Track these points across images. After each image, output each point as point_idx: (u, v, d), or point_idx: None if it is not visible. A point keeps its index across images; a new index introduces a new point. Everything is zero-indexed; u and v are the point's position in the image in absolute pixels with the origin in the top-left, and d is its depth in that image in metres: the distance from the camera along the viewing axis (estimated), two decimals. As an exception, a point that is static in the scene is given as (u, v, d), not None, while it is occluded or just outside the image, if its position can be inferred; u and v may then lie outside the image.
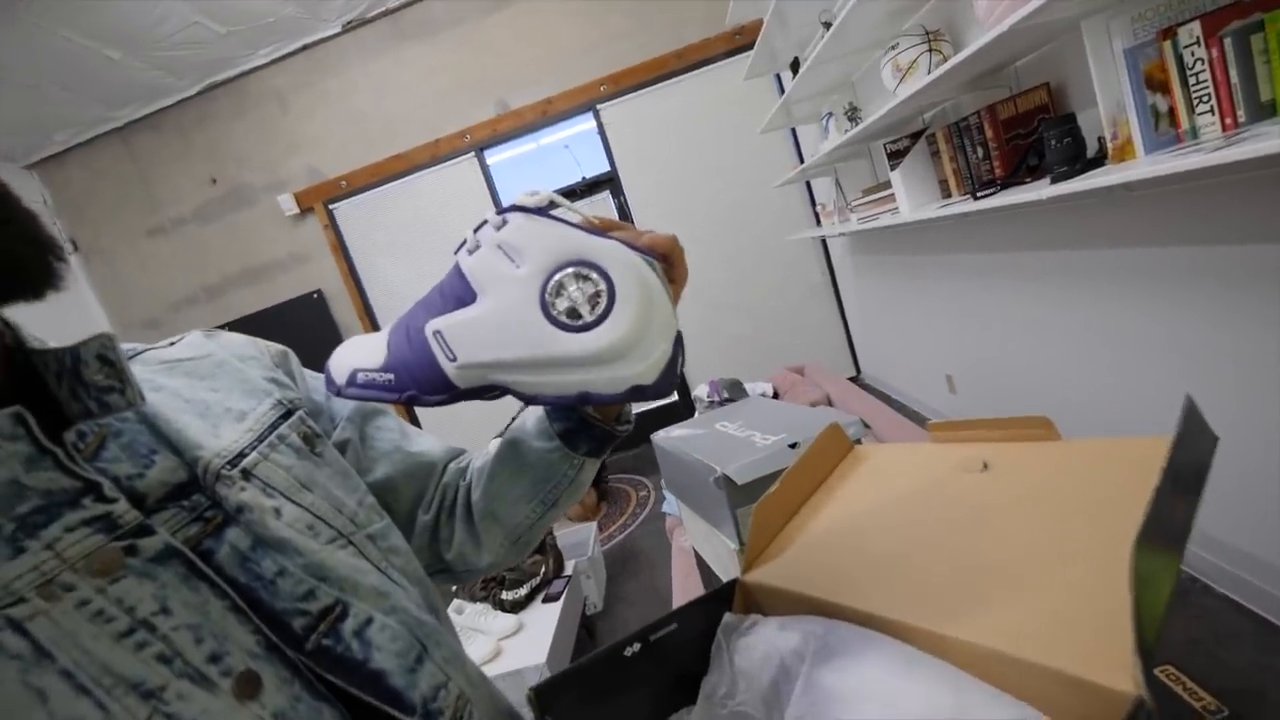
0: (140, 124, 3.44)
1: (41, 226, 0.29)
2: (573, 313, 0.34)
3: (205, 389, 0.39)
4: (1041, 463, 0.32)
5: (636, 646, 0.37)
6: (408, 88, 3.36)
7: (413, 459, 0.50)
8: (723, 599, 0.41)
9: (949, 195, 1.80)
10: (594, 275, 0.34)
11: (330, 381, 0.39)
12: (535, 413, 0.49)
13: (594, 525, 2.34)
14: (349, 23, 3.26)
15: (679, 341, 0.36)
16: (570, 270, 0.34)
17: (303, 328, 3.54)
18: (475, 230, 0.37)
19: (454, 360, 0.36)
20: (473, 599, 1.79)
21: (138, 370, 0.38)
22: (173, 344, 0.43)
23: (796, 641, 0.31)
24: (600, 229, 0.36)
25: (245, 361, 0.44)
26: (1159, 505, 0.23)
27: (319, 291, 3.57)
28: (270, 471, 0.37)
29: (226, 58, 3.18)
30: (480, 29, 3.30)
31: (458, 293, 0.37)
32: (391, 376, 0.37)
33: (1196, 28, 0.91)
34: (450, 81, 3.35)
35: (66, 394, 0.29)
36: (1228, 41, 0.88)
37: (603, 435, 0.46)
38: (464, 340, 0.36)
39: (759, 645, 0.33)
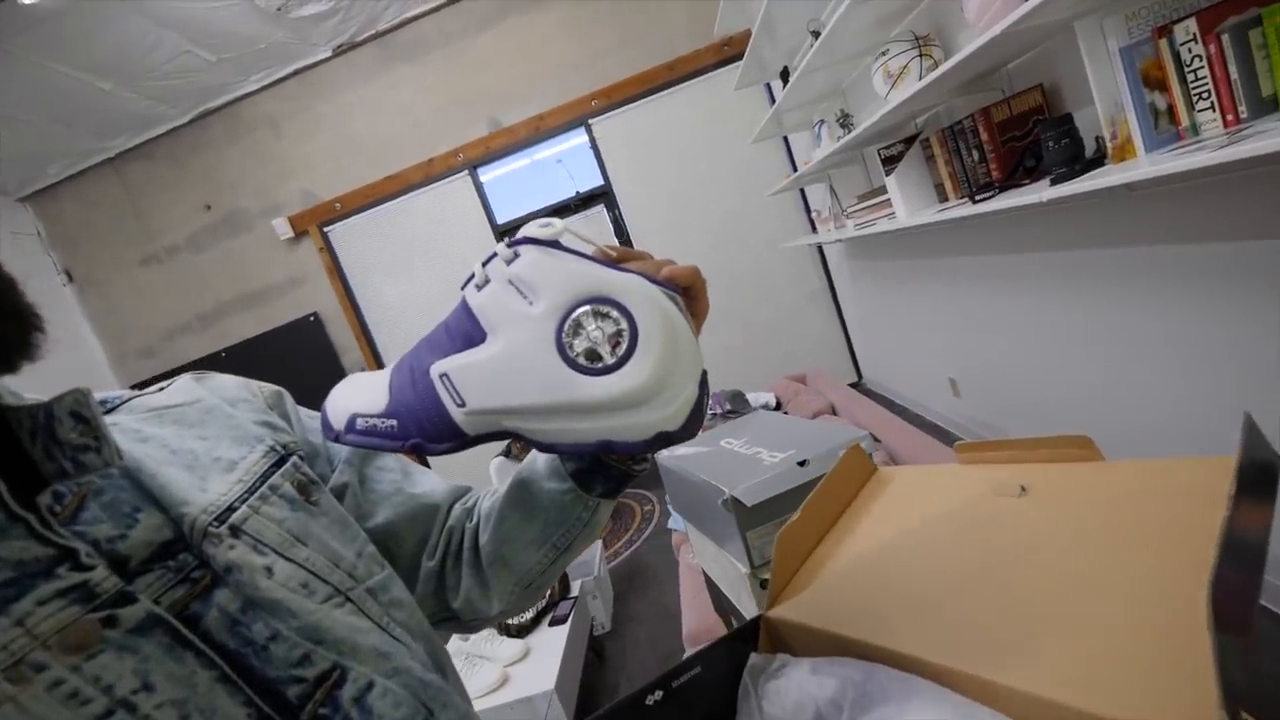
0: (133, 153, 3.44)
1: (20, 296, 0.28)
2: (592, 354, 0.31)
3: (194, 437, 0.37)
4: (1085, 486, 0.30)
5: (659, 695, 0.35)
6: (400, 108, 3.38)
7: (416, 501, 0.47)
8: (747, 637, 0.38)
9: (945, 199, 1.79)
10: (614, 313, 0.31)
11: (327, 426, 0.37)
12: (545, 453, 0.46)
13: (599, 543, 2.31)
14: (339, 46, 3.28)
15: (704, 382, 0.34)
16: (588, 308, 0.31)
17: (300, 351, 3.52)
18: (484, 264, 0.34)
19: (462, 405, 0.33)
20: (478, 624, 1.75)
21: (125, 419, 0.36)
22: (162, 389, 0.41)
23: (833, 689, 0.29)
24: (616, 261, 0.34)
25: (236, 405, 0.41)
26: (1231, 533, 0.21)
27: (315, 314, 3.55)
28: (261, 526, 0.34)
29: (218, 85, 3.19)
30: (470, 48, 3.32)
31: (466, 331, 0.34)
32: (394, 423, 0.35)
33: (1192, 24, 0.90)
34: (442, 101, 3.36)
35: (41, 453, 0.28)
36: (1225, 37, 0.87)
37: (619, 476, 0.44)
38: (473, 384, 0.33)
39: (790, 691, 0.31)
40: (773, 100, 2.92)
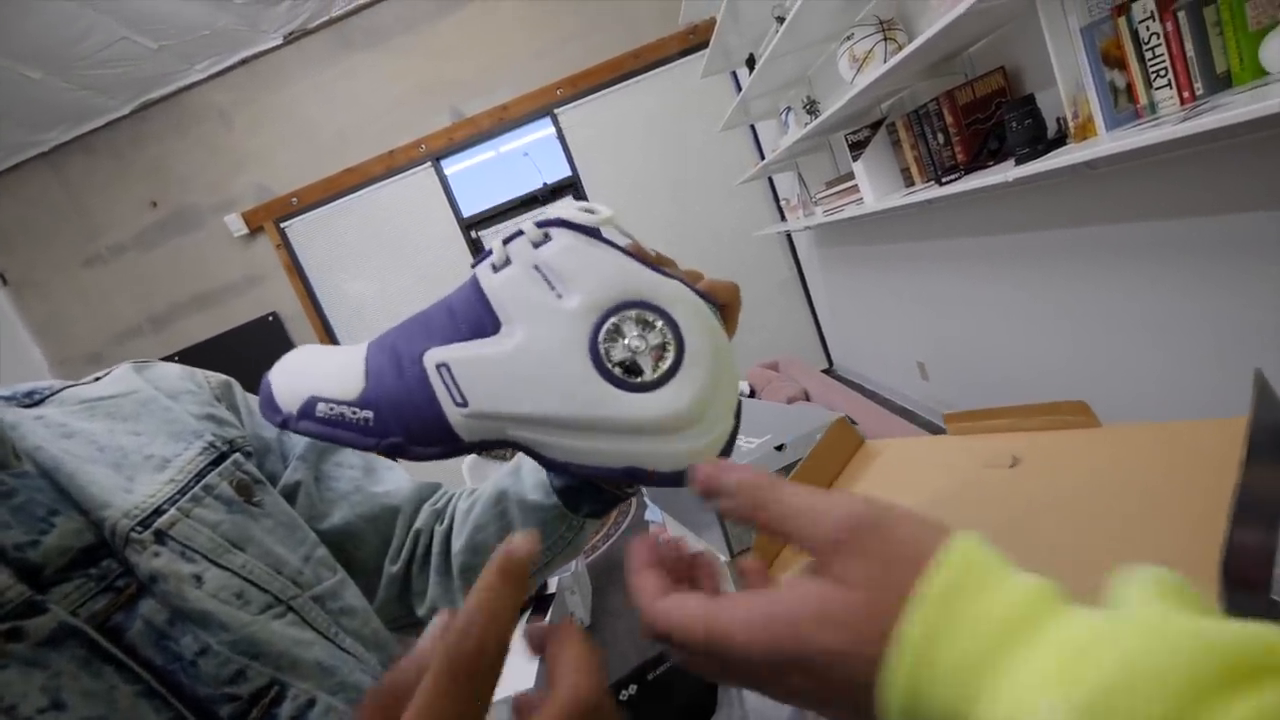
0: (70, 147, 3.24)
1: None
2: (632, 367, 0.27)
3: (126, 432, 0.34)
4: (1080, 455, 0.28)
5: (633, 688, 0.33)
6: (357, 98, 3.26)
7: (377, 501, 0.44)
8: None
9: (912, 183, 1.81)
10: (660, 323, 0.27)
11: (272, 407, 0.30)
12: (531, 460, 0.43)
13: (577, 538, 2.28)
14: (291, 34, 3.14)
15: (739, 413, 0.30)
16: (632, 313, 0.27)
17: (259, 352, 3.39)
18: (505, 241, 0.29)
19: (464, 405, 0.28)
20: (454, 625, 1.71)
21: (51, 413, 0.33)
22: (98, 379, 0.38)
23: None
24: (655, 263, 0.29)
25: (177, 398, 0.38)
26: (1241, 517, 0.20)
27: (274, 314, 3.42)
28: (191, 531, 0.31)
29: (161, 74, 3.03)
30: (430, 35, 3.22)
31: (475, 317, 0.29)
32: (370, 415, 0.29)
33: (1150, 2, 0.91)
34: (402, 90, 3.26)
35: None
36: (1181, 15, 0.89)
37: (609, 498, 0.40)
38: (480, 382, 0.28)
39: None
40: (739, 88, 2.90)
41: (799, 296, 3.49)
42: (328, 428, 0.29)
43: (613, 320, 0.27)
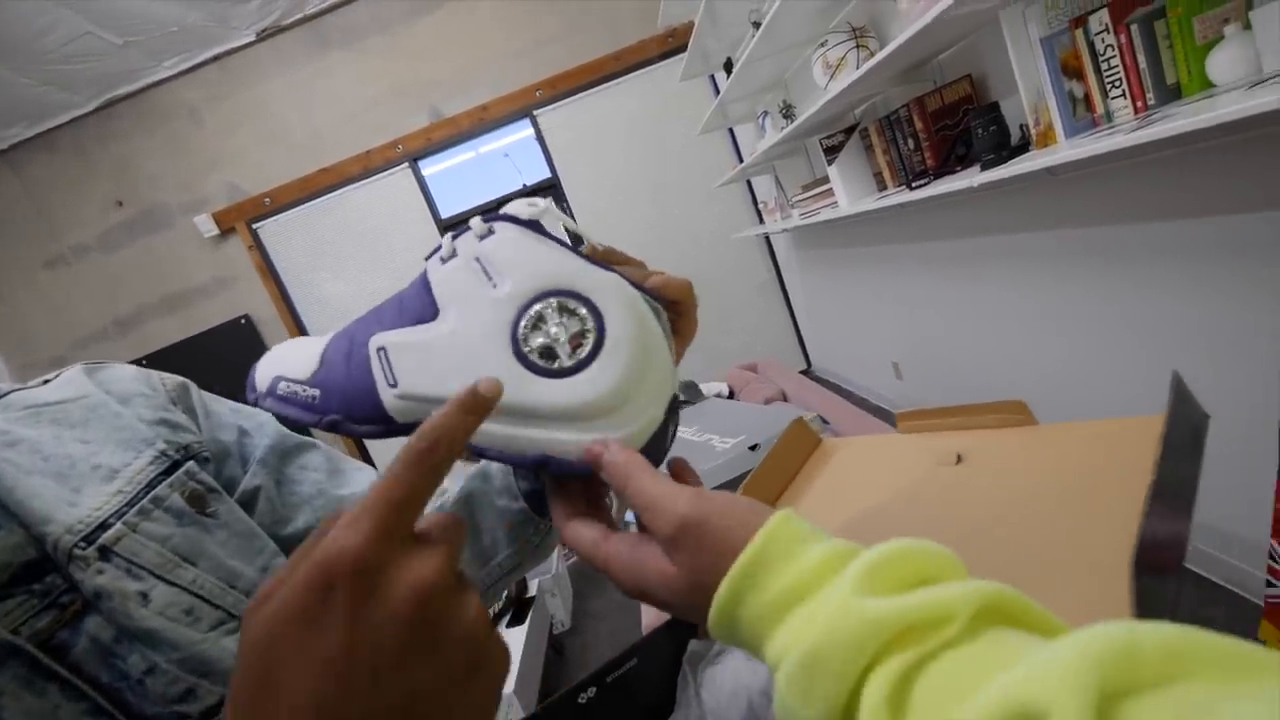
0: (31, 144, 3.14)
1: None
2: (548, 352, 0.28)
3: (74, 440, 0.33)
4: (1018, 452, 0.30)
5: (592, 691, 0.33)
6: (333, 97, 3.21)
7: (342, 505, 0.43)
8: (688, 623, 0.37)
9: (884, 187, 1.84)
10: (583, 311, 0.28)
11: (251, 386, 0.33)
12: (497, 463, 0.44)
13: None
14: (263, 31, 3.09)
15: (675, 408, 0.30)
16: (555, 300, 0.28)
17: (231, 356, 3.31)
18: (454, 236, 0.31)
19: (394, 386, 0.30)
20: (432, 630, 1.69)
21: None
22: (47, 382, 0.36)
23: (765, 678, 0.28)
24: (603, 259, 0.30)
25: (128, 402, 0.37)
26: (1155, 509, 0.21)
27: (247, 316, 3.35)
28: (137, 547, 0.30)
29: (128, 70, 2.95)
30: (408, 34, 3.19)
31: (420, 306, 0.31)
32: (316, 393, 0.31)
33: (1105, 15, 0.95)
34: (379, 90, 3.22)
35: None
36: (1134, 28, 0.92)
37: None
38: (410, 363, 0.30)
39: (726, 680, 0.30)
40: (717, 91, 2.93)
41: (777, 298, 3.53)
42: (281, 404, 0.31)
43: (537, 308, 0.28)
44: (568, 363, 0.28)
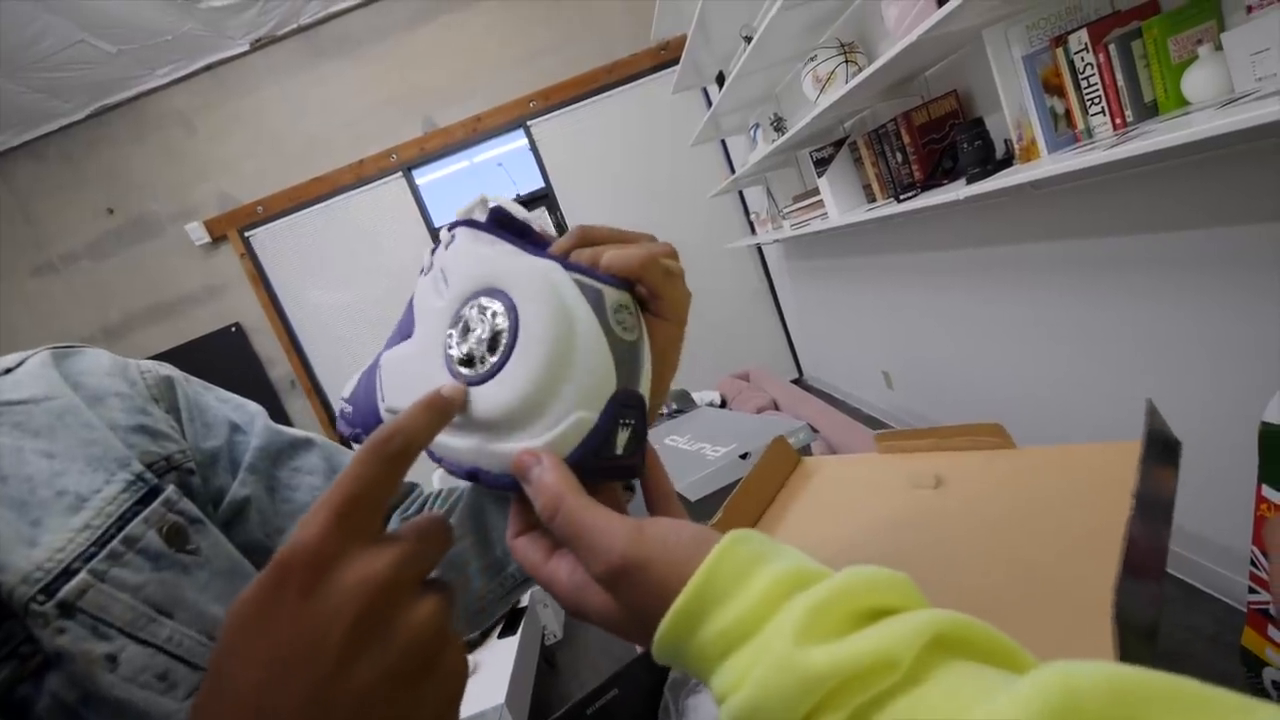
0: (19, 152, 3.13)
1: None
2: (468, 359, 0.26)
3: (36, 452, 0.28)
4: (996, 477, 0.30)
5: None
6: (327, 106, 3.22)
7: None
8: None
9: (873, 199, 1.87)
10: (498, 307, 0.26)
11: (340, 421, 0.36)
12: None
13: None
14: (258, 40, 3.09)
15: (624, 405, 0.25)
16: (479, 302, 0.27)
17: (222, 365, 3.29)
18: (432, 250, 0.32)
19: (384, 402, 0.31)
20: (423, 641, 1.68)
21: None
22: (9, 371, 0.31)
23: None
24: (579, 243, 0.28)
25: (102, 402, 0.32)
26: (1135, 533, 0.22)
27: (237, 325, 3.33)
28: (105, 600, 0.26)
29: (120, 78, 2.95)
30: (403, 44, 3.21)
31: (406, 323, 0.32)
32: (350, 409, 0.34)
33: (1084, 35, 0.97)
34: (373, 99, 3.23)
35: None
36: (1112, 47, 0.95)
37: None
38: (390, 380, 0.31)
39: (710, 710, 0.30)
40: (710, 104, 2.96)
41: (769, 308, 3.56)
42: (340, 419, 0.36)
43: (463, 312, 0.27)
44: (483, 368, 0.26)
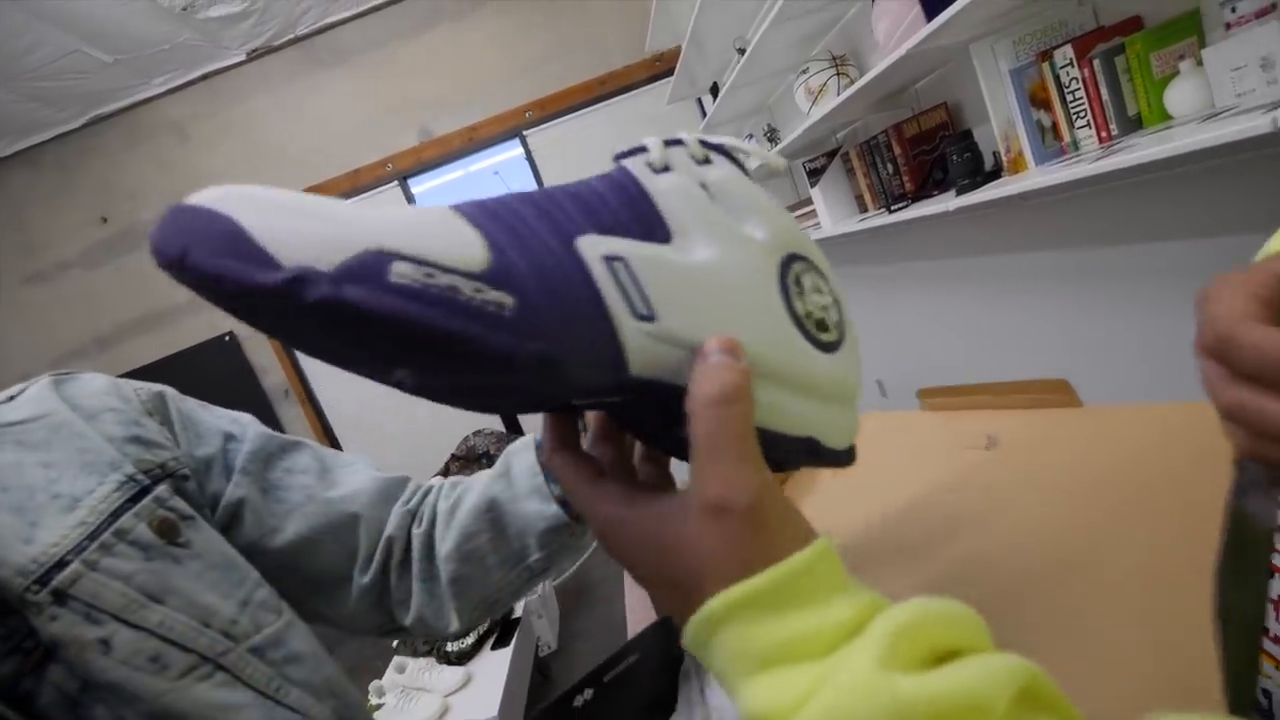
0: (12, 160, 3.12)
1: None
2: (821, 323, 0.24)
3: (35, 464, 0.30)
4: (1059, 437, 0.27)
5: (589, 693, 0.32)
6: (323, 116, 3.23)
7: (336, 509, 0.39)
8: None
9: (865, 210, 1.89)
10: (827, 285, 0.25)
11: (250, 258, 0.17)
12: (523, 461, 0.39)
13: (543, 559, 2.25)
14: (254, 50, 3.11)
15: None
16: (801, 265, 0.24)
17: (213, 375, 3.28)
18: (666, 143, 0.25)
19: (649, 319, 0.20)
20: (415, 654, 1.67)
21: None
22: (12, 398, 0.33)
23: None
24: None
25: (96, 419, 0.34)
26: (1239, 504, 0.19)
27: (230, 334, 3.32)
28: (97, 587, 0.27)
29: (115, 88, 2.95)
30: (399, 54, 3.23)
31: (641, 215, 0.22)
32: (511, 301, 0.18)
33: (1069, 50, 0.99)
34: (369, 109, 3.24)
35: None
36: (1097, 62, 0.97)
37: None
38: (672, 292, 0.21)
39: None
40: (704, 115, 2.99)
41: (764, 316, 3.57)
42: (417, 305, 0.17)
43: (794, 268, 0.24)
44: (834, 337, 0.24)
